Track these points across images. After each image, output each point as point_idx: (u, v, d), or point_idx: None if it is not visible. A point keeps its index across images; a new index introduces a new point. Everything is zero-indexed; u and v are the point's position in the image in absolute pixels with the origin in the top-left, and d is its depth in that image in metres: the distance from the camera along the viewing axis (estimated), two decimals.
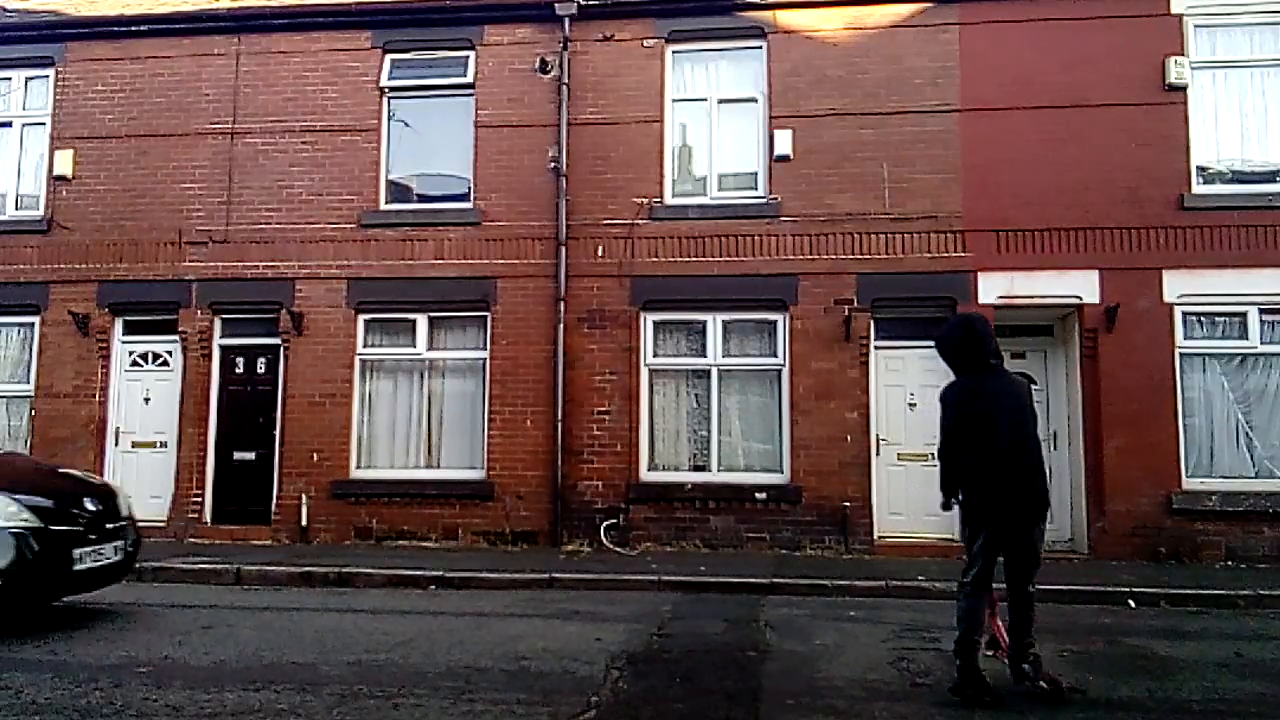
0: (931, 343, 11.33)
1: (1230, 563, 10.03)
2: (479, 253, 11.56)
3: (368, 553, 10.37)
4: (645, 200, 11.37)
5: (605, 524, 10.90)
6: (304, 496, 11.36)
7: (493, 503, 11.16)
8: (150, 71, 12.33)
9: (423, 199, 12.05)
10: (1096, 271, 10.66)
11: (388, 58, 12.05)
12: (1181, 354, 10.58)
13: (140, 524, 11.37)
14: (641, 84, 11.58)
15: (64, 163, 12.22)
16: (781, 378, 11.08)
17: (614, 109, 11.57)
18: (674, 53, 11.72)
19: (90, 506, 6.62)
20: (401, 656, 5.41)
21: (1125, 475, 10.31)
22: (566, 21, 11.54)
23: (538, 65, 11.72)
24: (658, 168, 11.47)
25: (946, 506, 5.06)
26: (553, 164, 11.47)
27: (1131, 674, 5.23)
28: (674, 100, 11.67)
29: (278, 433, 11.60)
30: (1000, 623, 5.06)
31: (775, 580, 8.51)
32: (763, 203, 11.27)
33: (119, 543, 6.80)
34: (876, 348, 11.04)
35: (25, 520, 6.11)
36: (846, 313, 10.87)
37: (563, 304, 11.24)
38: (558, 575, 8.73)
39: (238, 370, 11.96)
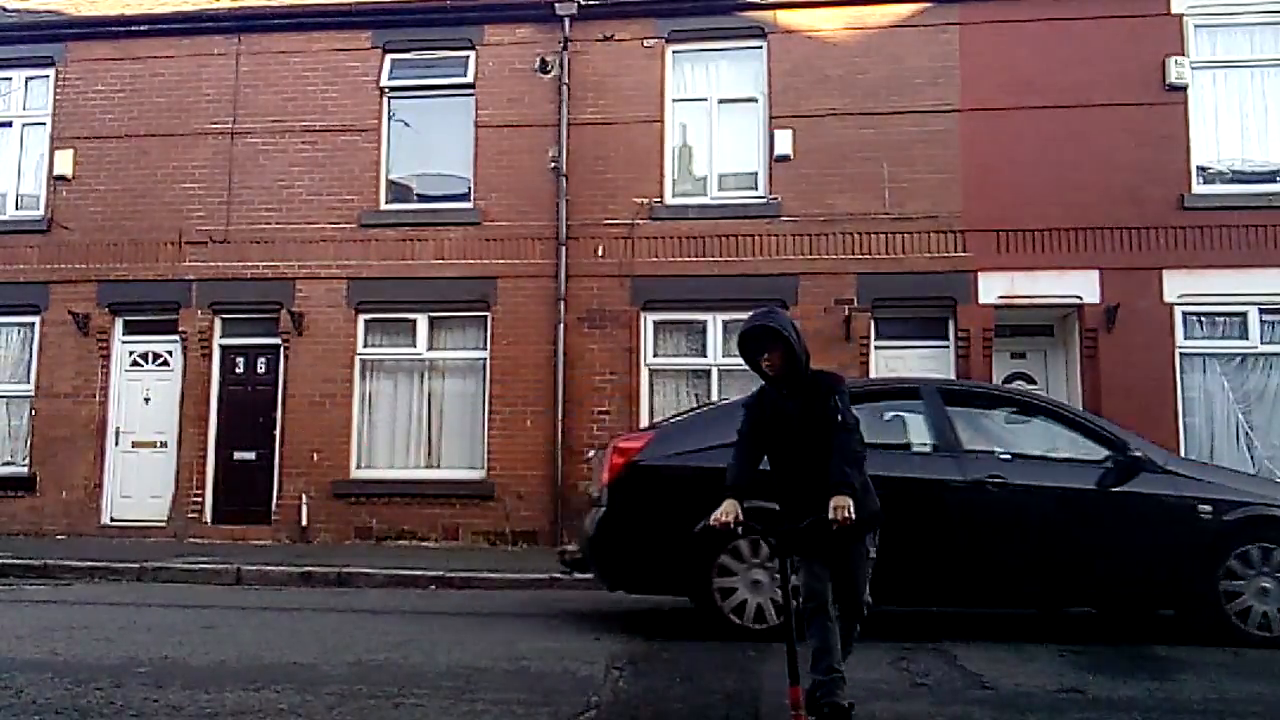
0: (933, 343, 11.19)
1: None
2: (479, 253, 11.55)
3: (368, 553, 10.36)
4: (645, 200, 11.37)
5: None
6: (304, 496, 11.36)
7: (493, 503, 11.16)
8: (150, 71, 12.33)
9: (423, 199, 12.06)
10: (1096, 271, 10.66)
11: (388, 58, 12.05)
12: (1181, 354, 10.58)
13: (140, 524, 11.61)
14: (642, 84, 11.58)
15: (64, 163, 12.22)
16: None
17: (614, 109, 11.57)
18: (674, 53, 11.73)
19: None
20: (401, 656, 5.40)
21: None
22: (566, 21, 11.55)
23: (538, 65, 11.72)
24: (658, 168, 11.48)
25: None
26: (553, 164, 11.47)
27: (1131, 674, 5.23)
28: (674, 100, 11.68)
29: (278, 433, 11.60)
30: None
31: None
32: (763, 203, 11.27)
33: None
34: (877, 348, 11.04)
35: None
36: (846, 313, 10.87)
37: (563, 304, 11.24)
38: (558, 575, 8.69)
39: (238, 370, 11.97)
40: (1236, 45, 11.05)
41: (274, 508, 11.52)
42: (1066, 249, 10.74)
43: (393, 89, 12.05)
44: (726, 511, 3.83)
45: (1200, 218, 10.60)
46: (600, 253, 11.37)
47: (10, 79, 12.74)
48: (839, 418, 3.91)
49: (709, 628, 5.95)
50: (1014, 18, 11.07)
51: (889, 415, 6.87)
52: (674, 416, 7.68)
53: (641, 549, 6.17)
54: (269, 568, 9.04)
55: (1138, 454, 6.12)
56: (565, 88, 11.56)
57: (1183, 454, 10.31)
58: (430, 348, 11.77)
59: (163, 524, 11.55)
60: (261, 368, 11.94)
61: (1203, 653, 5.76)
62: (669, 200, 11.48)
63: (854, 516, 3.65)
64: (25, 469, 11.96)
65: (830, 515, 3.64)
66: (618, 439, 6.83)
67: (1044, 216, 10.76)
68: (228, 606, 7.38)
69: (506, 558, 9.98)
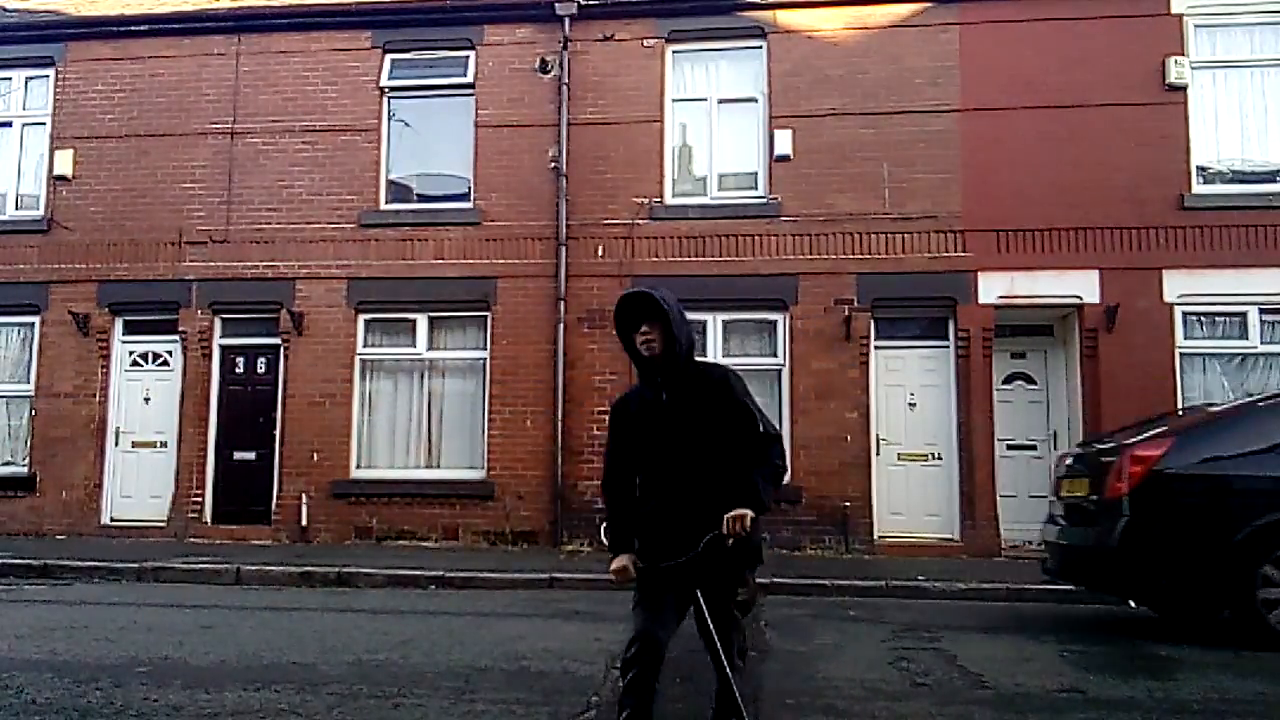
0: (932, 343, 11.20)
1: None
2: (479, 253, 11.55)
3: (367, 552, 10.36)
4: (645, 200, 11.36)
5: (605, 524, 10.87)
6: (304, 496, 11.36)
7: (493, 503, 11.16)
8: (150, 71, 12.32)
9: (423, 199, 12.05)
10: (1096, 271, 10.66)
11: (388, 58, 12.04)
12: (1181, 354, 10.57)
13: (140, 524, 11.62)
14: (641, 84, 11.58)
15: (64, 163, 12.21)
16: (781, 378, 11.07)
17: (614, 109, 11.57)
18: (674, 53, 11.72)
19: None
20: (401, 656, 5.41)
21: None
22: (566, 21, 11.54)
23: (538, 65, 11.72)
24: (658, 168, 11.47)
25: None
26: (553, 164, 11.47)
27: (1131, 674, 5.23)
28: (674, 100, 11.67)
29: (278, 433, 11.60)
30: None
31: (775, 580, 8.48)
32: (763, 203, 11.27)
33: None
34: (876, 348, 11.04)
35: None
36: (846, 313, 10.86)
37: (563, 304, 11.24)
38: (558, 575, 8.73)
39: (238, 370, 11.96)
40: (1236, 45, 11.04)
41: (274, 508, 11.52)
42: (1066, 249, 10.73)
43: (393, 89, 12.05)
44: (623, 570, 3.38)
45: (1200, 218, 10.59)
46: (600, 253, 11.37)
47: (10, 79, 12.73)
48: (757, 423, 3.29)
49: (1252, 640, 5.81)
50: (1014, 18, 11.06)
51: None
52: (1182, 416, 7.14)
53: (1169, 561, 6.00)
54: (269, 568, 9.05)
55: None
56: (565, 88, 11.55)
57: None
58: (430, 348, 11.77)
59: (163, 524, 11.55)
60: (261, 368, 11.94)
61: (1203, 653, 5.77)
62: (669, 200, 11.48)
63: (749, 530, 3.12)
64: (25, 469, 11.96)
65: (724, 529, 3.08)
66: (1133, 446, 6.37)
67: (1044, 216, 10.75)
68: (228, 606, 7.38)
69: (506, 558, 9.98)
